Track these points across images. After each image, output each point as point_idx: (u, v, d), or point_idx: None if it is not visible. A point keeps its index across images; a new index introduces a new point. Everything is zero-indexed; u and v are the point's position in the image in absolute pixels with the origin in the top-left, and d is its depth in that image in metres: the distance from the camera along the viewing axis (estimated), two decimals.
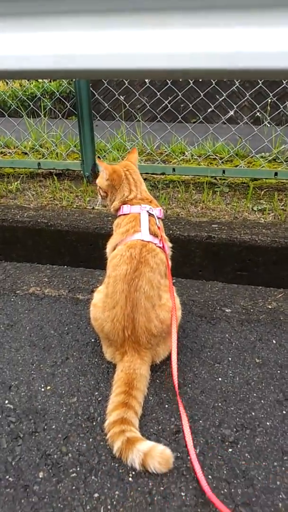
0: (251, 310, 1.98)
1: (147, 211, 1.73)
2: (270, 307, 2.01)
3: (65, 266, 2.46)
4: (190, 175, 3.19)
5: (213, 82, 3.40)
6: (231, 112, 3.59)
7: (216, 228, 2.42)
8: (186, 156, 3.47)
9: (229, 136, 3.28)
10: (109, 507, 1.17)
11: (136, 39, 1.67)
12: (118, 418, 1.34)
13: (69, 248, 2.54)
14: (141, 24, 1.64)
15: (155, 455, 1.24)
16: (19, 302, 2.07)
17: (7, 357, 1.72)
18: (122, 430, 1.31)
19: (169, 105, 3.34)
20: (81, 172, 3.20)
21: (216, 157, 3.30)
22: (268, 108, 3.72)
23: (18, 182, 3.16)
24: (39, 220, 2.56)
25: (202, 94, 3.39)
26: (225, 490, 1.21)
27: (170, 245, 1.83)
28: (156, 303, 1.56)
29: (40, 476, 1.26)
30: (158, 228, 1.71)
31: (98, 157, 3.20)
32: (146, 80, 3.49)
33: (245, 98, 3.86)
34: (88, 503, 1.18)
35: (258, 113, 3.66)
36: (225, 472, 1.26)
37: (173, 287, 1.65)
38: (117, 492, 1.21)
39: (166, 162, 3.43)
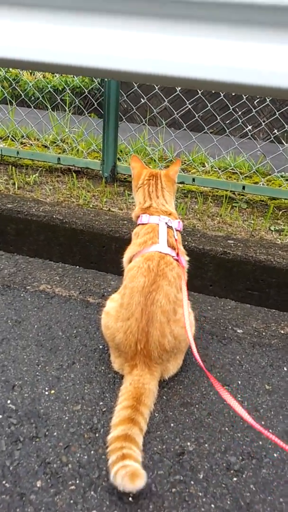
0: (263, 334, 1.94)
1: (166, 223, 1.70)
2: (282, 332, 1.97)
3: (77, 266, 2.42)
4: (209, 187, 3.15)
5: (245, 98, 3.36)
6: (249, 127, 3.54)
7: (232, 244, 2.38)
8: (205, 167, 3.43)
9: (248, 152, 3.25)
10: None
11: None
12: (123, 434, 1.30)
13: (81, 248, 2.50)
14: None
15: (127, 469, 1.17)
16: (29, 299, 2.03)
17: (12, 355, 1.68)
18: (122, 446, 1.26)
19: (196, 115, 3.30)
20: (100, 172, 3.17)
21: (236, 172, 3.27)
22: None
23: (36, 175, 3.13)
24: (54, 216, 2.52)
25: (231, 107, 3.35)
26: None
27: (187, 258, 1.79)
28: (171, 318, 1.52)
29: (38, 485, 1.22)
30: (175, 240, 1.68)
31: (119, 158, 3.16)
32: (177, 88, 3.45)
33: (272, 117, 3.81)
34: None
35: (276, 131, 3.63)
36: (228, 502, 1.22)
37: (188, 301, 1.61)
38: None
39: (185, 171, 3.39)
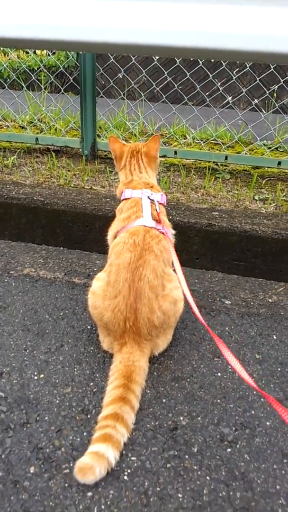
0: (251, 303, 1.93)
1: (148, 197, 1.66)
2: (270, 300, 1.96)
3: (61, 248, 2.38)
4: (192, 159, 3.10)
5: (225, 65, 3.29)
6: (229, 98, 3.47)
7: (217, 216, 2.36)
8: (187, 139, 3.38)
9: (230, 121, 3.19)
10: (103, 507, 1.12)
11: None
12: (112, 412, 1.29)
13: (64, 228, 2.46)
14: None
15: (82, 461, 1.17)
16: (13, 283, 2.00)
17: None
18: (107, 425, 1.25)
19: (176, 85, 3.23)
20: (80, 150, 3.10)
21: (218, 142, 3.22)
22: (275, 95, 3.63)
23: (15, 157, 3.05)
24: (35, 198, 2.47)
25: (211, 75, 3.28)
26: (223, 493, 1.16)
27: (173, 232, 1.76)
28: (159, 293, 1.50)
29: (31, 471, 1.20)
30: (158, 213, 1.65)
31: (98, 135, 3.09)
32: (155, 58, 3.36)
33: (251, 85, 3.75)
34: (81, 502, 1.13)
35: (256, 100, 3.57)
36: (223, 473, 1.22)
37: (176, 275, 1.59)
38: (111, 491, 1.16)
39: (166, 144, 3.33)
